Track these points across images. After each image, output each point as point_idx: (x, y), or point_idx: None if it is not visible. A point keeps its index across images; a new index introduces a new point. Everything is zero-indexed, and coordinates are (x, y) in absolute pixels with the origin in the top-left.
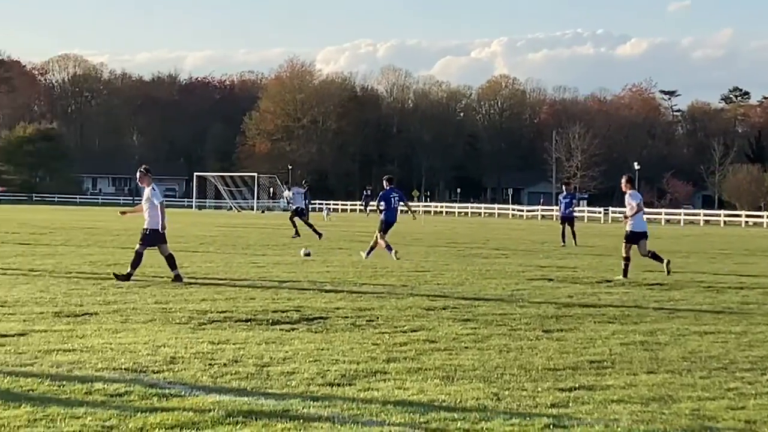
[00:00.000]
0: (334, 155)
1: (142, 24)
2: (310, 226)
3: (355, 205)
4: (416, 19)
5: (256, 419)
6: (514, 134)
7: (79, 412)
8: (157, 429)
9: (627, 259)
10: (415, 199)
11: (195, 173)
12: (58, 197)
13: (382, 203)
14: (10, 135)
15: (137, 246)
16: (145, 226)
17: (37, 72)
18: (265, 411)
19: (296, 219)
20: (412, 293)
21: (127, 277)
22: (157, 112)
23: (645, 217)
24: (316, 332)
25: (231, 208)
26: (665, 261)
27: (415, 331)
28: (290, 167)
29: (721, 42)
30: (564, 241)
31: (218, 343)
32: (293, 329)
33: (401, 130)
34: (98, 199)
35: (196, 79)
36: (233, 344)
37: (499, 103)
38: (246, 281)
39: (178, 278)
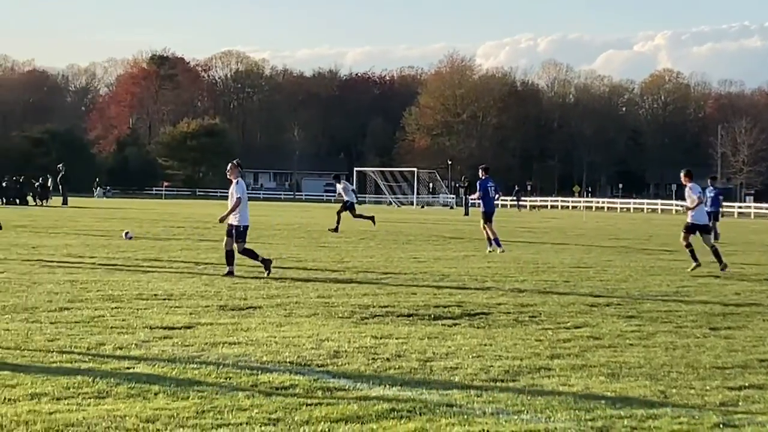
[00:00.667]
0: (494, 150)
1: (303, 20)
2: (360, 216)
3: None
4: (578, 13)
5: (420, 414)
6: (677, 129)
7: (245, 404)
8: (321, 422)
9: (688, 245)
10: (576, 194)
11: (355, 168)
12: (220, 192)
13: (479, 194)
14: (174, 131)
15: (225, 240)
16: (233, 222)
17: (200, 68)
18: (428, 406)
19: (343, 213)
20: (575, 289)
21: (230, 274)
22: (318, 107)
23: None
24: (478, 328)
25: (390, 203)
26: (723, 265)
27: (578, 327)
28: (449, 162)
29: None
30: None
31: (381, 338)
32: (455, 324)
33: (562, 125)
34: (260, 194)
35: (357, 74)
36: (396, 339)
37: (662, 98)
38: (407, 276)
39: (230, 273)
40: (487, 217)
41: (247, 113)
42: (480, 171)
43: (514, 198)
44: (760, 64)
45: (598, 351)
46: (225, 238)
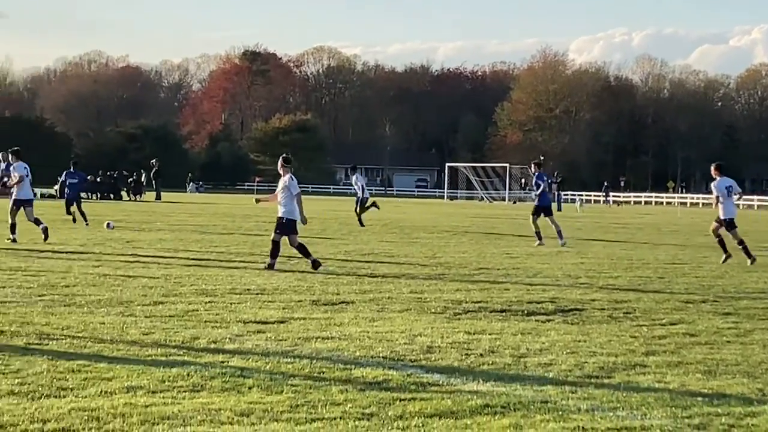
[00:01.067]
0: (586, 146)
1: (395, 15)
2: (359, 212)
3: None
4: (673, 7)
5: (514, 410)
6: None
7: (339, 399)
8: (416, 417)
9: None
10: (671, 190)
11: (447, 164)
12: (312, 187)
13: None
14: (266, 126)
15: (273, 235)
16: (281, 215)
17: (292, 64)
18: (523, 401)
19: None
20: (670, 286)
21: (270, 267)
22: (410, 103)
23: None
24: (572, 324)
25: (482, 199)
26: (751, 259)
27: (674, 324)
28: (542, 158)
29: None
30: None
31: (474, 333)
32: (549, 320)
33: (656, 121)
34: (351, 189)
35: (448, 69)
36: (489, 334)
37: (758, 93)
38: (500, 272)
39: (316, 264)
40: (539, 210)
41: (338, 109)
42: (532, 166)
43: (604, 194)
44: None
45: (694, 348)
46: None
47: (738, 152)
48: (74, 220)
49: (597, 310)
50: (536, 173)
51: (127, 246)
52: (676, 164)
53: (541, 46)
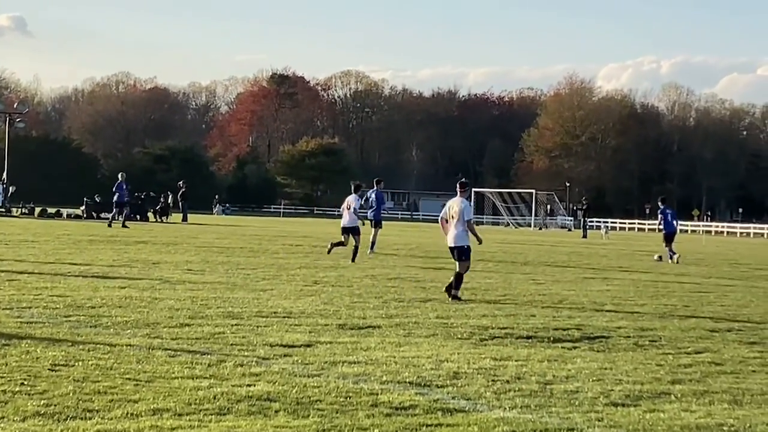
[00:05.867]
0: (612, 172)
1: (426, 40)
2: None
3: (634, 223)
4: (704, 35)
5: None
6: None
7: (365, 424)
8: None
9: None
10: (695, 218)
11: (473, 189)
12: (338, 211)
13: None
14: (293, 149)
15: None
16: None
17: (320, 87)
18: (549, 429)
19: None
20: (695, 314)
21: (454, 297)
22: (437, 127)
23: None
24: (598, 351)
25: (508, 225)
26: None
27: (699, 352)
28: (568, 184)
29: None
30: None
31: (500, 359)
32: (575, 347)
33: (682, 149)
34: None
35: (475, 95)
36: (515, 361)
37: None
38: (526, 298)
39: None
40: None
41: (365, 132)
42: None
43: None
44: None
45: (720, 377)
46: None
47: (763, 181)
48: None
49: (623, 337)
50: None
51: (153, 268)
52: (701, 192)
53: (569, 72)
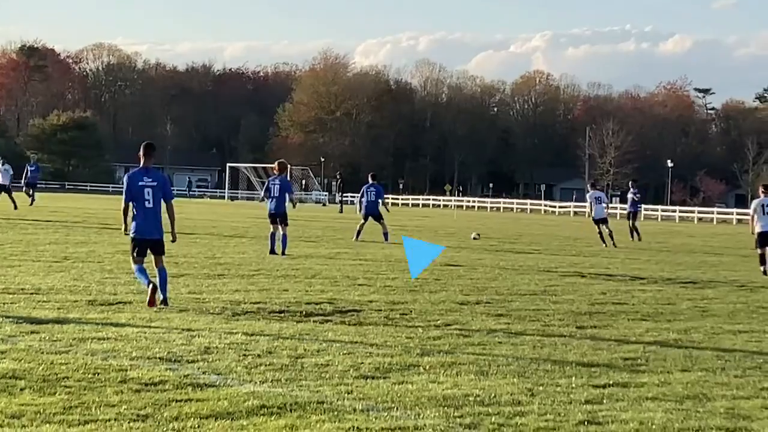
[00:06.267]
0: (367, 148)
1: (186, 14)
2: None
3: (387, 198)
4: (463, 12)
5: (290, 410)
6: (547, 130)
7: (114, 401)
8: (191, 418)
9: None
10: (447, 193)
11: (228, 164)
12: (90, 186)
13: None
14: (44, 123)
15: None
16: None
17: (71, 60)
18: (299, 402)
19: None
20: (445, 288)
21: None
22: (191, 102)
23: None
24: (349, 325)
25: (263, 200)
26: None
27: (448, 325)
28: (323, 159)
29: (766, 41)
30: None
31: (252, 335)
32: (326, 321)
33: (434, 124)
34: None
35: (230, 70)
36: (267, 335)
37: (532, 99)
38: (279, 272)
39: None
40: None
41: (119, 107)
42: (369, 177)
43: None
44: (630, 69)
45: (467, 348)
46: None
47: (512, 157)
48: None
49: (374, 311)
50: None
51: None
52: (453, 167)
53: (325, 47)
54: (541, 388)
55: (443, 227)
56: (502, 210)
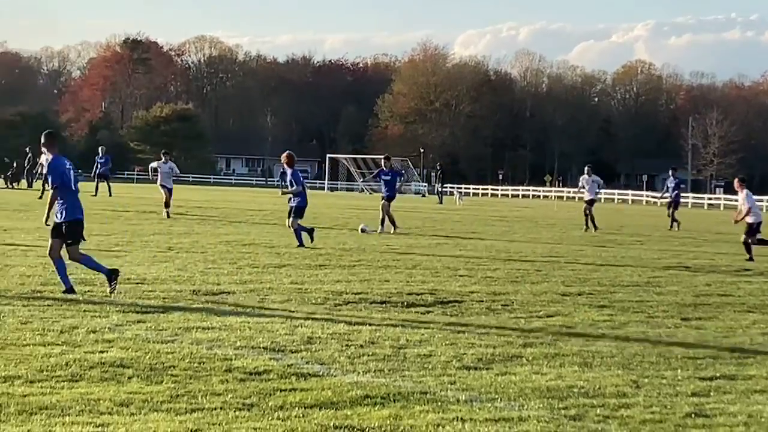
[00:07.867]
0: (466, 139)
1: (286, 6)
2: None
3: (487, 189)
4: (563, 1)
5: (393, 401)
6: (649, 120)
7: (219, 389)
8: (296, 408)
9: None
10: (548, 183)
11: (327, 155)
12: (192, 177)
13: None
14: (146, 115)
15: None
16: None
17: (173, 53)
18: (402, 392)
19: None
20: (547, 279)
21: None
22: (291, 94)
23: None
24: (451, 315)
25: (362, 190)
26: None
27: (550, 316)
28: (422, 150)
29: None
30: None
31: (354, 324)
32: (428, 312)
33: (534, 115)
34: (232, 179)
35: (330, 61)
36: (369, 326)
37: (634, 89)
38: (380, 263)
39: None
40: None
41: (219, 98)
42: (383, 160)
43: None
44: (734, 57)
45: (570, 340)
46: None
47: (613, 147)
48: None
49: (475, 302)
50: (386, 169)
51: (3, 234)
52: (553, 158)
53: (424, 38)
54: (646, 380)
55: (543, 218)
56: (602, 201)
